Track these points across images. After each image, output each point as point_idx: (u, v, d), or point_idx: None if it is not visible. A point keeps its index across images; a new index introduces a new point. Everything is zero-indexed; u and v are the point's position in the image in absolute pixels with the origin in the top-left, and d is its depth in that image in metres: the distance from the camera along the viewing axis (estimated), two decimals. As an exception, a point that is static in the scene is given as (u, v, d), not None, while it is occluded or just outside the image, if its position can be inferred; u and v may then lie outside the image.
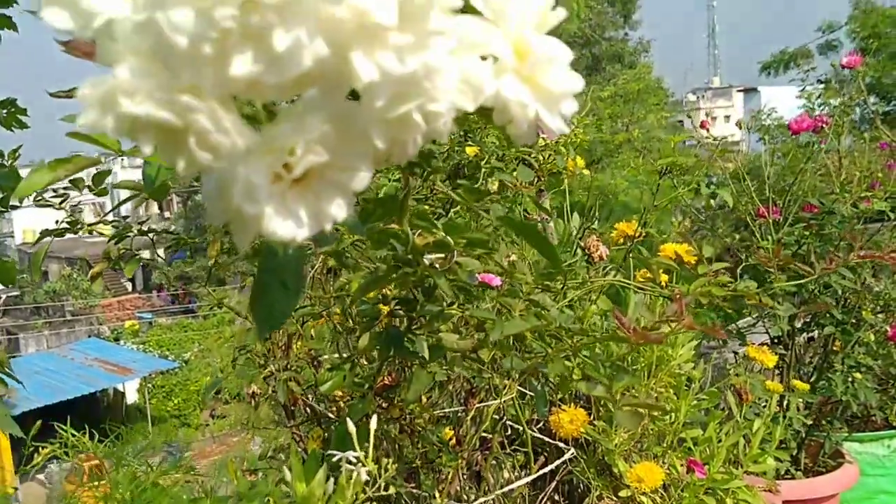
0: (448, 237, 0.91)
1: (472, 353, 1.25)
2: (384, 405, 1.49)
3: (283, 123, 0.43)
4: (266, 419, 1.97)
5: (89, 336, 14.18)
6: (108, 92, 0.37)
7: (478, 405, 1.67)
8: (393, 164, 0.49)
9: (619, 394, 1.23)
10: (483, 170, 1.57)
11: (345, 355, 1.54)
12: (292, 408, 1.70)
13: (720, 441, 2.01)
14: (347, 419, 1.02)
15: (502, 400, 1.66)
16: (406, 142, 0.46)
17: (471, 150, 1.76)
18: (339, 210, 0.47)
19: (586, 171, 2.21)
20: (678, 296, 1.10)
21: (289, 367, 1.48)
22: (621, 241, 2.17)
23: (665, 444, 2.04)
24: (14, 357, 12.45)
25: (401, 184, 0.79)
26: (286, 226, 0.45)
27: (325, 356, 1.62)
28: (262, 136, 0.43)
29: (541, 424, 1.87)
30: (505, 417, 1.77)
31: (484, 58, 0.49)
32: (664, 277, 2.06)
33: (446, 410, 1.66)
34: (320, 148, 0.44)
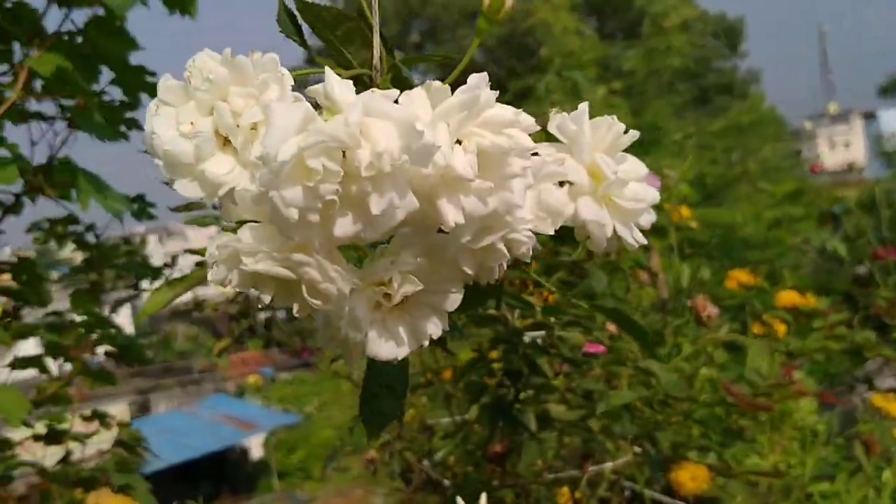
0: (548, 318, 0.94)
1: (580, 422, 1.27)
2: (498, 471, 1.52)
3: (380, 260, 0.49)
4: (384, 482, 2.02)
5: (215, 392, 14.64)
6: (233, 254, 0.43)
7: (593, 468, 1.68)
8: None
9: (733, 460, 1.22)
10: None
11: (457, 421, 1.57)
12: (409, 474, 1.74)
13: (849, 494, 1.94)
14: (458, 498, 1.05)
15: (618, 462, 1.66)
16: (493, 267, 0.50)
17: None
18: (434, 328, 0.52)
19: (693, 224, 2.20)
20: (787, 365, 1.09)
21: (401, 436, 1.53)
22: (737, 289, 2.15)
23: (792, 499, 1.99)
24: (146, 416, 13.01)
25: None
26: (387, 347, 0.51)
27: (437, 422, 1.66)
28: (363, 272, 0.49)
29: (661, 483, 1.85)
30: (622, 478, 1.76)
31: (562, 183, 0.53)
32: (782, 329, 2.03)
33: (561, 474, 1.67)
34: (414, 278, 0.49)
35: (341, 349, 0.53)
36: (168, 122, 0.46)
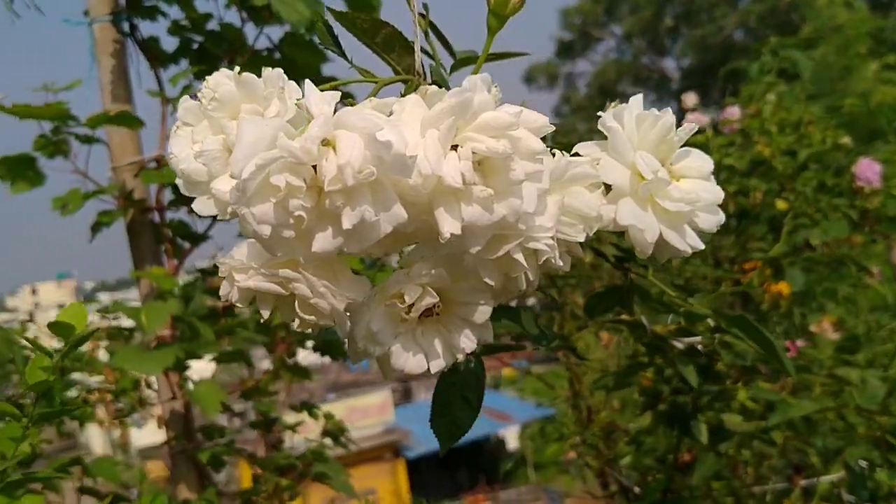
0: (691, 324, 0.88)
1: (762, 433, 1.17)
2: (685, 481, 1.43)
3: (396, 272, 0.47)
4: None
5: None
6: (228, 270, 0.44)
7: (804, 482, 1.54)
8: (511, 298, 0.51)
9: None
10: (786, 227, 1.47)
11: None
12: (605, 479, 1.69)
13: None
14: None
15: (833, 477, 1.52)
16: (516, 278, 0.47)
17: (782, 205, 1.65)
18: (467, 341, 0.50)
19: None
20: None
21: (584, 441, 1.49)
22: None
23: None
24: (408, 404, 13.67)
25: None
26: (416, 360, 0.49)
27: (625, 427, 1.60)
28: (381, 286, 0.48)
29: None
30: (842, 490, 1.61)
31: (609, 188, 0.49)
32: None
33: (765, 487, 1.54)
34: (431, 290, 0.47)
35: (379, 363, 0.52)
36: (185, 141, 0.48)
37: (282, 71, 0.47)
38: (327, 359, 1.72)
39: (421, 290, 0.47)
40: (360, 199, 0.40)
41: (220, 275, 0.46)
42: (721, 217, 0.51)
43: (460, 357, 0.50)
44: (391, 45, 0.54)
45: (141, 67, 1.54)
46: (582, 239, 0.47)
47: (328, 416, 1.78)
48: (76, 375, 1.60)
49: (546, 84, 18.92)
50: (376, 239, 0.42)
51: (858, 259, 1.66)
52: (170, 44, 1.57)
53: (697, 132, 1.57)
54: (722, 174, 1.67)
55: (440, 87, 0.54)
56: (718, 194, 0.50)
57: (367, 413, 11.06)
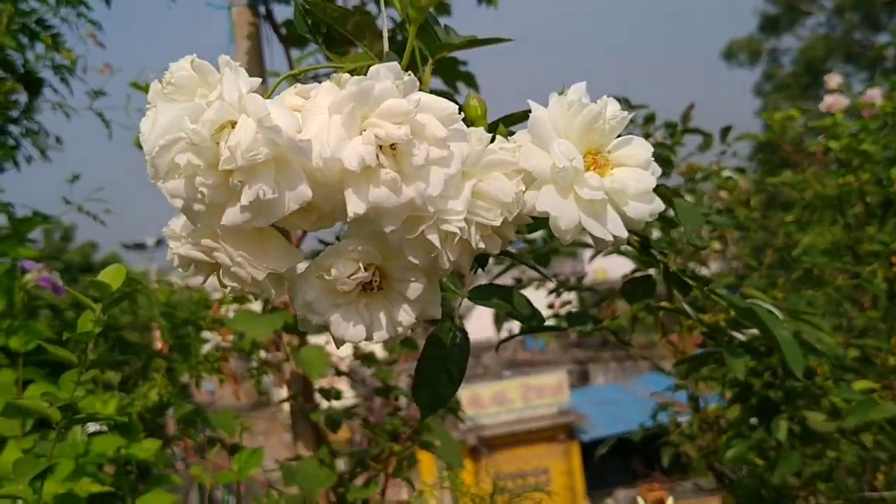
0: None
1: (853, 434, 1.11)
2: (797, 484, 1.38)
3: (328, 247, 0.51)
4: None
5: (651, 370, 14.76)
6: (166, 236, 0.50)
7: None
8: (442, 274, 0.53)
9: None
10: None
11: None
12: (718, 472, 1.65)
13: None
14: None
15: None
16: (437, 257, 0.49)
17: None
18: (405, 316, 0.53)
19: None
20: None
21: (688, 433, 1.45)
22: None
23: None
24: (586, 387, 13.59)
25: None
26: (354, 330, 0.53)
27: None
28: (315, 259, 0.51)
29: None
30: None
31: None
32: None
33: (883, 494, 1.45)
34: (359, 265, 0.50)
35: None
36: (149, 121, 0.53)
37: (229, 58, 0.51)
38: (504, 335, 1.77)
39: (354, 264, 0.50)
40: (259, 178, 0.44)
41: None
42: (657, 206, 0.50)
43: (399, 330, 0.53)
44: (362, 31, 0.58)
45: (274, 50, 1.65)
46: (498, 223, 0.49)
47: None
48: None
49: (747, 60, 17.97)
50: (281, 215, 0.46)
51: None
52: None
53: (829, 116, 1.47)
54: (856, 160, 1.56)
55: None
56: (649, 183, 0.49)
57: (541, 392, 11.10)
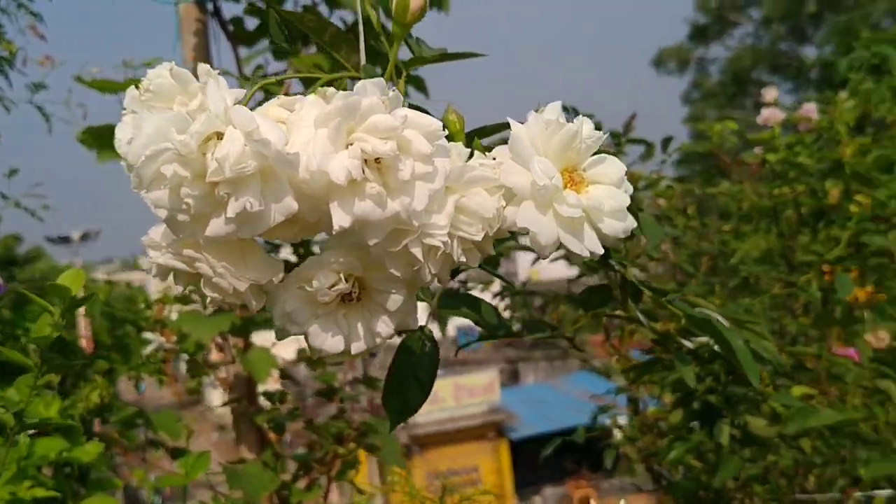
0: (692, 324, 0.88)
1: (792, 440, 1.15)
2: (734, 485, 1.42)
3: (310, 258, 0.51)
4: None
5: (581, 369, 14.98)
6: (145, 245, 0.49)
7: (861, 495, 1.49)
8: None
9: None
10: (848, 230, 1.42)
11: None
12: (654, 473, 1.69)
13: None
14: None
15: (891, 492, 1.46)
16: (419, 271, 0.50)
17: (854, 208, 1.59)
18: (384, 327, 0.53)
19: None
20: None
21: (629, 435, 1.49)
22: None
23: None
24: (516, 386, 13.72)
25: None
26: (333, 341, 0.53)
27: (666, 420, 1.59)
28: (297, 269, 0.52)
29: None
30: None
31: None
32: None
33: (815, 496, 1.51)
34: (340, 276, 0.51)
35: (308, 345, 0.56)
36: (127, 128, 0.53)
37: (209, 67, 0.51)
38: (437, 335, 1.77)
39: (334, 275, 0.51)
40: (246, 191, 0.44)
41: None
42: (630, 223, 0.52)
43: (378, 341, 0.54)
44: (338, 42, 0.58)
45: (222, 47, 1.63)
46: (479, 238, 0.50)
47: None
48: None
49: (676, 69, 18.33)
50: (266, 227, 0.46)
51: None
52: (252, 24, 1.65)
53: (765, 128, 1.53)
54: (791, 172, 1.62)
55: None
56: (624, 201, 0.51)
57: (473, 392, 11.19)
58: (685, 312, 0.71)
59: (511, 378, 13.94)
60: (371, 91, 0.47)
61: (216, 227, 0.45)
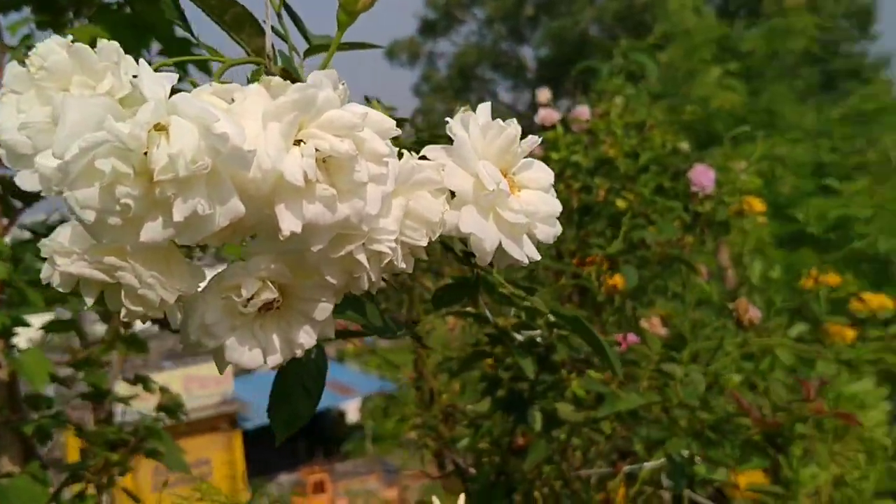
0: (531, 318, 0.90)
1: (593, 423, 1.22)
2: (518, 464, 1.48)
3: (233, 264, 0.46)
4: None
5: (316, 356, 15.02)
6: (50, 253, 0.42)
7: (628, 468, 1.62)
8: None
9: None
10: (624, 226, 1.54)
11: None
12: (441, 459, 1.73)
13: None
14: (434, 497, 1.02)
15: (655, 464, 1.60)
16: (360, 278, 0.47)
17: (622, 204, 1.72)
18: (306, 337, 0.49)
19: (762, 219, 2.09)
20: (808, 382, 1.02)
21: (425, 422, 1.51)
22: (814, 287, 2.03)
23: (853, 515, 1.88)
24: (249, 375, 13.47)
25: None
26: (252, 355, 0.48)
27: (463, 409, 1.64)
28: (216, 277, 0.46)
29: (712, 486, 1.78)
30: (661, 479, 1.70)
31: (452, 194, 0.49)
32: (850, 335, 1.91)
33: (590, 472, 1.62)
34: (271, 285, 0.46)
35: (215, 355, 0.51)
36: (10, 110, 0.45)
37: (118, 44, 0.44)
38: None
39: (260, 283, 0.46)
40: (194, 191, 0.39)
41: (42, 255, 0.43)
42: (558, 229, 0.52)
43: (299, 352, 0.50)
44: (241, 24, 0.53)
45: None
46: (424, 243, 0.48)
47: (164, 390, 1.72)
48: None
49: (407, 61, 18.81)
50: (211, 232, 0.40)
51: (688, 259, 1.76)
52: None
53: (550, 128, 1.61)
54: (568, 170, 1.73)
55: (289, 73, 0.53)
56: (556, 207, 0.51)
57: (204, 383, 10.78)
58: (554, 311, 0.73)
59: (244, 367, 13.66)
60: (325, 83, 0.43)
61: (153, 231, 0.39)
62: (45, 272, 0.43)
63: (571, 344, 1.02)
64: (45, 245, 0.42)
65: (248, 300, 0.46)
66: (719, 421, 1.12)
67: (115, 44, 0.44)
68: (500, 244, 0.49)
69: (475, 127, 0.49)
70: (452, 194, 0.50)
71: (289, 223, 0.42)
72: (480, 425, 1.53)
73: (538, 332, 1.02)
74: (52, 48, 0.44)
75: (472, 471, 1.63)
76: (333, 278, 0.47)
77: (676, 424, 1.17)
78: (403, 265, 0.48)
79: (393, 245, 0.46)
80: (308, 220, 0.42)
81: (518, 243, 0.49)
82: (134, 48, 1.49)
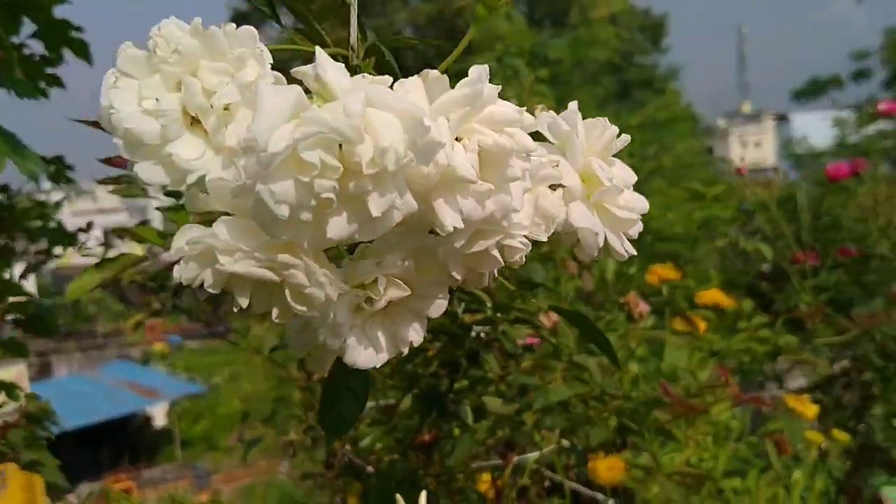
0: (497, 314, 0.92)
1: (516, 415, 1.25)
2: (423, 460, 1.49)
3: (363, 261, 0.45)
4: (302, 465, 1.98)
5: (119, 358, 14.30)
6: (207, 251, 0.39)
7: (517, 458, 1.67)
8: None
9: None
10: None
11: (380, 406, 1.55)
12: (332, 458, 1.71)
13: (759, 491, 1.99)
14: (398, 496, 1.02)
15: (543, 453, 1.66)
16: (483, 274, 0.47)
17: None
18: (415, 334, 0.48)
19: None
20: (721, 367, 1.10)
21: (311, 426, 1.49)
22: (659, 284, 2.17)
23: (704, 494, 2.02)
24: (47, 380, 12.57)
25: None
26: (367, 354, 0.47)
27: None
28: (345, 275, 0.45)
29: (581, 474, 1.86)
30: (543, 468, 1.76)
31: (553, 187, 0.50)
32: (702, 325, 2.05)
33: (484, 464, 1.65)
34: (400, 282, 0.45)
35: (313, 354, 0.49)
36: (129, 96, 0.41)
37: (254, 30, 0.42)
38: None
39: (389, 280, 0.45)
40: (388, 186, 0.38)
41: (179, 255, 0.40)
42: (640, 227, 0.54)
43: (404, 351, 0.48)
44: (326, 14, 0.51)
45: None
46: (545, 238, 0.48)
47: (31, 397, 1.59)
48: None
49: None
50: (389, 228, 0.39)
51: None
52: None
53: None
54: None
55: (382, 65, 0.52)
56: (646, 205, 0.53)
57: (-5, 388, 10.00)
58: (555, 308, 0.75)
59: (42, 371, 12.73)
60: (484, 77, 0.42)
61: (339, 227, 0.38)
62: (189, 272, 0.40)
63: (518, 339, 1.04)
64: (200, 243, 0.39)
65: (384, 298, 0.45)
66: (637, 409, 1.19)
67: (252, 29, 0.42)
68: (606, 238, 0.50)
69: (581, 125, 0.50)
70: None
71: (451, 219, 0.41)
72: (380, 423, 1.53)
73: (486, 327, 1.05)
74: (176, 31, 0.41)
75: (370, 469, 1.63)
76: (459, 274, 0.46)
77: (598, 414, 1.23)
78: (522, 261, 0.49)
79: (525, 240, 0.46)
80: (464, 215, 0.42)
81: (620, 238, 0.51)
82: (8, 28, 1.37)
